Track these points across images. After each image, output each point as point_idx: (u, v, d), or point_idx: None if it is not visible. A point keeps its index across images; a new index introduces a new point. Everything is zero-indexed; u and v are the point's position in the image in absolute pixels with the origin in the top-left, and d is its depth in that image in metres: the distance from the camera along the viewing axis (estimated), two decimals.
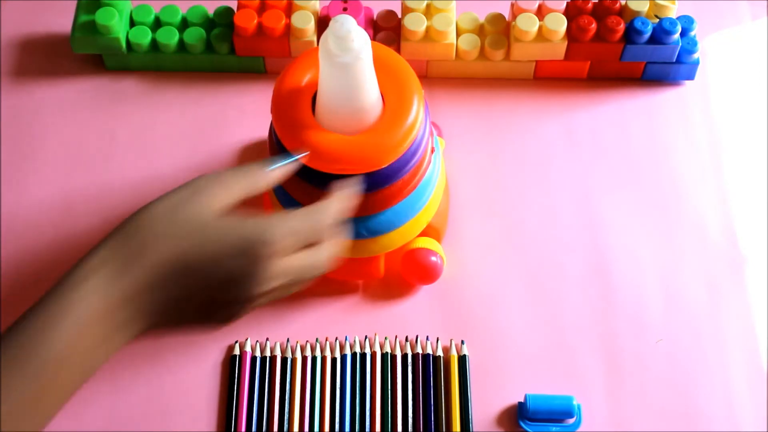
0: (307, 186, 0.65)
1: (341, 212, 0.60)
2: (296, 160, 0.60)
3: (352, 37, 0.56)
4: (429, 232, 0.73)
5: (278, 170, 0.59)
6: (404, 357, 0.71)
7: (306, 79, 0.63)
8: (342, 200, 0.60)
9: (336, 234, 0.59)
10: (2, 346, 0.50)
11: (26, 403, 0.50)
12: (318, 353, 0.71)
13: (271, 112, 0.63)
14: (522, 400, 0.70)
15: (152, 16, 0.82)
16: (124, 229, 0.54)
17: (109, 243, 0.53)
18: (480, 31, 0.82)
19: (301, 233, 0.56)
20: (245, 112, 0.83)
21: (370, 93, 0.61)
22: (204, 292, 0.54)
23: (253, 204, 0.58)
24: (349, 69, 0.58)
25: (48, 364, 0.50)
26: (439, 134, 0.80)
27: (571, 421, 0.69)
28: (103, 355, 0.53)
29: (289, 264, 0.56)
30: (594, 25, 0.79)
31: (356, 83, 0.59)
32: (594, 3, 0.81)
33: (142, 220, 0.54)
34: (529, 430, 0.69)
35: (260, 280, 0.54)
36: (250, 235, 0.54)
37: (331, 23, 0.56)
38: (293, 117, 0.62)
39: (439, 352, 0.71)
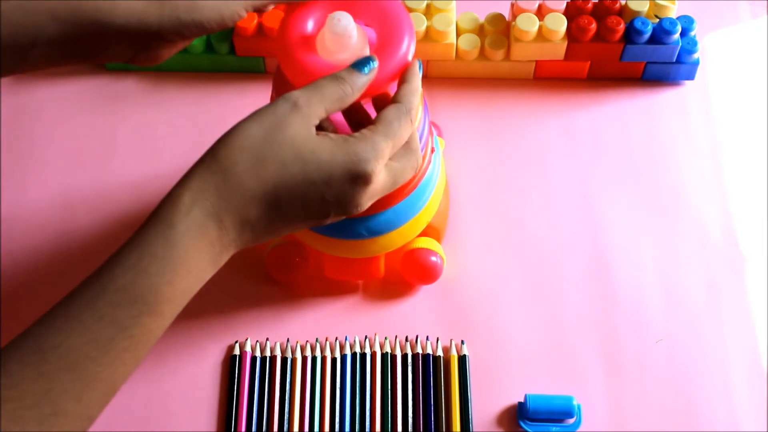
0: None
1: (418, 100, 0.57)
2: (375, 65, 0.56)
3: (349, 33, 0.56)
4: (429, 232, 0.73)
5: (369, 73, 0.55)
6: (404, 357, 0.71)
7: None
8: (417, 86, 0.57)
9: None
10: (107, 288, 0.49)
11: (137, 341, 0.49)
12: (318, 353, 0.71)
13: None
14: (522, 400, 0.70)
15: None
16: (218, 154, 0.52)
17: (203, 171, 0.52)
18: (480, 31, 0.82)
19: (398, 139, 0.55)
20: (245, 112, 0.82)
21: None
22: (308, 211, 0.53)
23: None
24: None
25: (155, 304, 0.49)
26: (439, 134, 0.80)
27: (571, 421, 0.69)
28: (207, 276, 0.52)
29: (389, 175, 0.55)
30: (594, 25, 0.79)
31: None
32: (594, 3, 0.81)
33: (238, 143, 0.52)
34: (529, 430, 0.69)
35: (365, 198, 0.54)
36: (358, 154, 0.52)
37: (328, 20, 0.56)
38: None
39: (439, 352, 0.71)
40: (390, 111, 0.55)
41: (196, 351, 0.72)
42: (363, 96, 0.56)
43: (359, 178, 0.53)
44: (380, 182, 0.55)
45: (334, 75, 0.54)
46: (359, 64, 0.55)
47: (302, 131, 0.52)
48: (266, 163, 0.51)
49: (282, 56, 0.59)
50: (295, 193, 0.52)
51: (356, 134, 0.53)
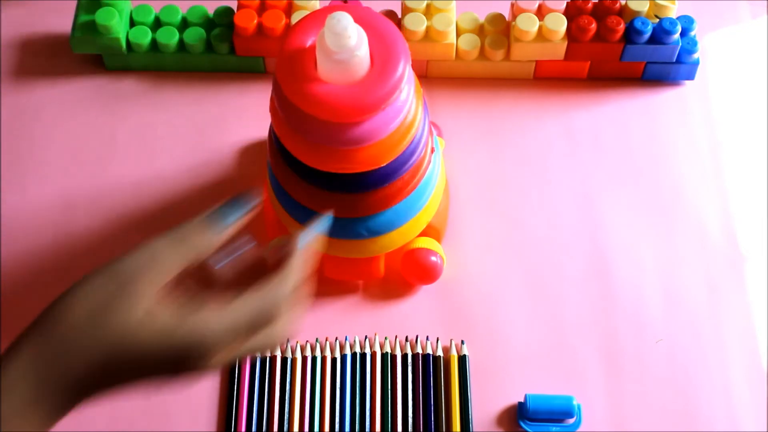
0: (307, 186, 0.65)
1: (301, 280, 0.52)
2: (247, 211, 0.51)
3: (348, 33, 0.56)
4: (429, 232, 0.73)
5: (227, 230, 0.50)
6: (404, 357, 0.71)
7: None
8: (300, 267, 0.52)
9: (294, 304, 0.51)
10: None
11: None
12: (318, 353, 0.71)
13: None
14: (522, 400, 0.70)
15: (152, 16, 0.82)
16: (45, 327, 0.47)
17: (29, 343, 0.47)
18: (480, 31, 0.82)
19: (246, 326, 0.49)
20: (245, 112, 0.83)
21: None
22: (143, 382, 0.49)
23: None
24: (346, 66, 0.58)
25: None
26: (439, 134, 0.80)
27: (571, 421, 0.69)
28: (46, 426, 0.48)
29: (234, 351, 0.50)
30: (594, 25, 0.79)
31: (353, 80, 0.59)
32: (594, 3, 0.81)
33: (63, 318, 0.47)
34: (529, 430, 0.69)
35: (198, 374, 0.50)
36: (185, 344, 0.48)
37: (327, 20, 0.56)
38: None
39: (439, 352, 0.71)
40: (257, 291, 0.49)
41: None
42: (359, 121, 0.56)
43: (181, 362, 0.48)
44: (219, 360, 0.49)
45: (182, 237, 0.49)
46: (216, 217, 0.50)
47: (128, 315, 0.47)
48: (87, 341, 0.47)
49: (280, 74, 0.59)
50: (124, 369, 0.48)
51: (193, 315, 0.48)
